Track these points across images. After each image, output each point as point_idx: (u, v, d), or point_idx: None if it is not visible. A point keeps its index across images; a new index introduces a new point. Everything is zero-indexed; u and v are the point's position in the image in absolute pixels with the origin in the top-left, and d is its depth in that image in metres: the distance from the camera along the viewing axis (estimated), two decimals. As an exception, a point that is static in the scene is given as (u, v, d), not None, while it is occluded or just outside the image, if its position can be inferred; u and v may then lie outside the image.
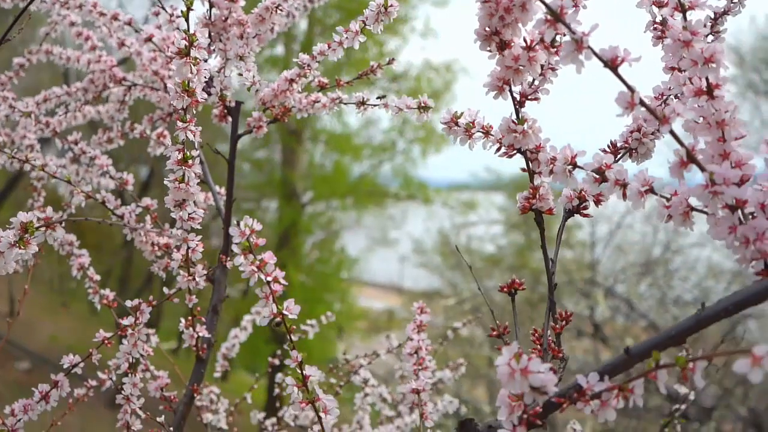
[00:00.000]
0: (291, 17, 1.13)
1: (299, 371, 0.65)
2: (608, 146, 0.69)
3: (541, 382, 0.51)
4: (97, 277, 1.11)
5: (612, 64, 0.51)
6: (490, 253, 9.83)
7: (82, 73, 1.25)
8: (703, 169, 0.51)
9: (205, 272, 0.91)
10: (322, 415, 0.65)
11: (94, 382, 1.11)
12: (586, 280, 5.80)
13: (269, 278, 0.62)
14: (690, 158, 0.52)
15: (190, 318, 0.97)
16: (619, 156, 0.69)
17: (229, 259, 0.97)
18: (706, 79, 0.54)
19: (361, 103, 0.97)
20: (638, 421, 6.00)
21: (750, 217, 0.52)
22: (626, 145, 0.68)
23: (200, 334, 0.97)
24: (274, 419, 1.37)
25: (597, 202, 0.67)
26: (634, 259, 7.12)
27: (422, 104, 0.85)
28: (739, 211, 0.53)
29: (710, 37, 0.71)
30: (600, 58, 0.51)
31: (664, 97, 0.69)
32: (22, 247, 0.68)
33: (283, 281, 0.63)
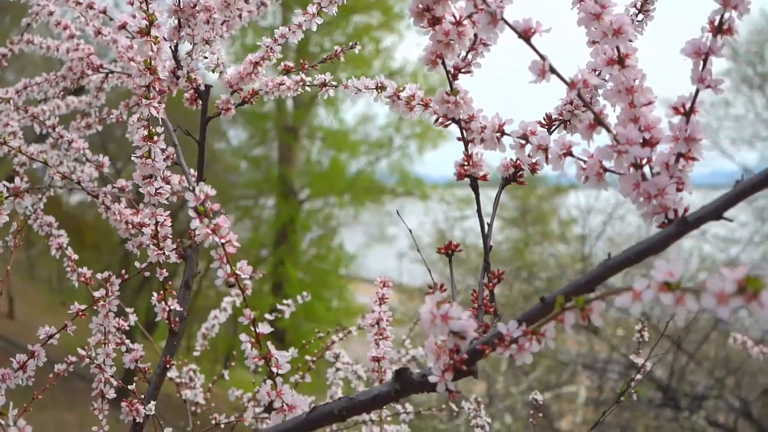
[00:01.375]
0: (263, 5, 1.17)
1: (253, 329, 0.70)
2: (543, 118, 0.73)
3: (461, 327, 0.55)
4: (75, 257, 1.15)
5: (525, 35, 0.56)
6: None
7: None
8: (609, 131, 0.56)
9: (174, 246, 0.96)
10: (274, 369, 0.69)
11: (73, 358, 1.15)
12: (578, 272, 5.84)
13: (223, 240, 0.67)
14: (598, 121, 0.56)
15: (162, 292, 1.01)
16: (554, 127, 0.73)
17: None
18: (617, 48, 0.58)
19: (323, 85, 1.01)
20: (631, 413, 6.06)
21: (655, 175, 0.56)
22: (560, 117, 0.73)
23: (172, 308, 1.02)
24: (249, 394, 1.42)
25: (533, 170, 0.72)
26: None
27: (379, 84, 0.89)
28: (647, 169, 0.57)
29: (640, 16, 0.76)
30: (514, 30, 0.55)
31: (597, 72, 0.73)
32: (-7, 217, 0.72)
33: (236, 243, 0.67)
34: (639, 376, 1.16)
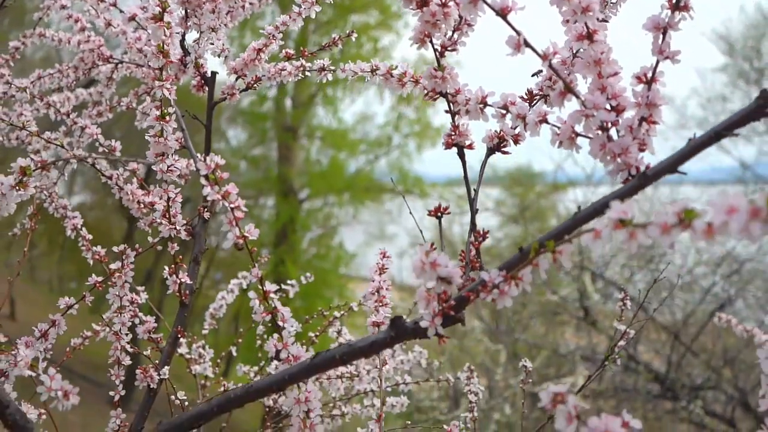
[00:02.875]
0: (262, -1, 1.23)
1: (260, 287, 0.76)
2: (525, 93, 0.80)
3: (448, 273, 0.62)
4: (90, 236, 1.22)
5: (503, 12, 0.62)
6: (486, 245, 9.96)
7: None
8: (578, 98, 0.63)
9: (184, 222, 1.03)
10: (280, 323, 0.76)
11: (89, 333, 1.22)
12: (575, 264, 5.91)
13: (233, 205, 0.73)
14: (568, 89, 0.63)
15: (173, 266, 1.08)
16: (535, 101, 0.80)
17: (206, 210, 1.08)
18: (586, 25, 0.65)
19: (322, 69, 1.08)
20: (628, 403, 6.13)
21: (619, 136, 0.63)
22: (540, 92, 0.79)
23: (183, 281, 1.09)
24: (256, 368, 1.49)
25: (515, 141, 0.78)
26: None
27: (374, 68, 0.96)
28: (614, 132, 0.64)
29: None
30: (492, 8, 0.62)
31: (575, 51, 0.80)
32: (21, 188, 0.79)
33: (244, 208, 0.74)
34: (622, 342, 1.23)
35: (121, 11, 1.20)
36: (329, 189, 11.59)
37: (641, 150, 0.63)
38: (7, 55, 1.44)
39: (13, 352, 0.75)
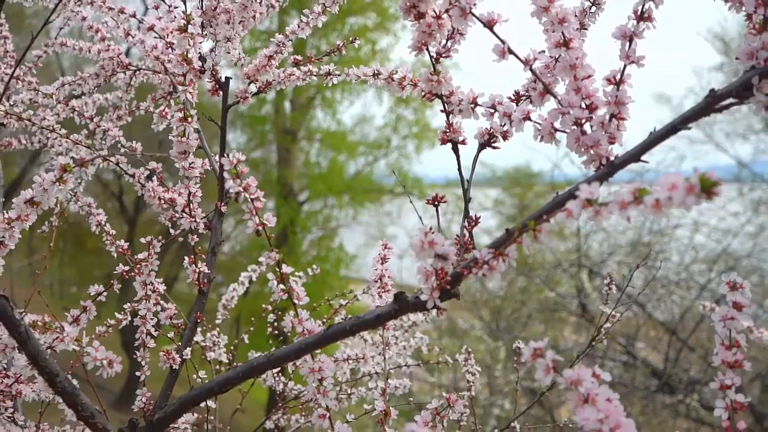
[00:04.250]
0: (271, 7, 1.33)
1: (278, 269, 0.86)
2: (513, 94, 0.89)
3: (444, 251, 0.71)
4: (113, 232, 1.31)
5: (489, 24, 0.72)
6: (486, 244, 10.01)
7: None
8: (555, 97, 0.72)
9: (204, 215, 1.12)
10: (296, 301, 0.85)
11: (112, 321, 1.31)
12: (572, 262, 6.01)
13: (253, 196, 0.83)
14: (546, 90, 0.72)
15: (192, 256, 1.17)
16: (521, 102, 0.89)
17: (224, 204, 1.17)
18: (562, 34, 0.74)
19: (328, 74, 1.17)
20: (626, 398, 6.22)
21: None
22: (526, 93, 0.89)
23: (202, 270, 1.18)
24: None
25: (504, 138, 0.88)
26: (623, 242, 7.34)
27: (376, 72, 1.05)
28: (588, 127, 0.74)
29: (593, 8, 0.92)
30: (480, 21, 0.71)
31: (554, 56, 0.89)
32: (61, 184, 0.88)
33: (262, 198, 0.83)
34: (608, 325, 1.32)
35: (140, 21, 1.30)
36: (329, 191, 11.68)
37: (611, 143, 0.72)
38: (30, 63, 1.53)
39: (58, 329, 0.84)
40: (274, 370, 1.56)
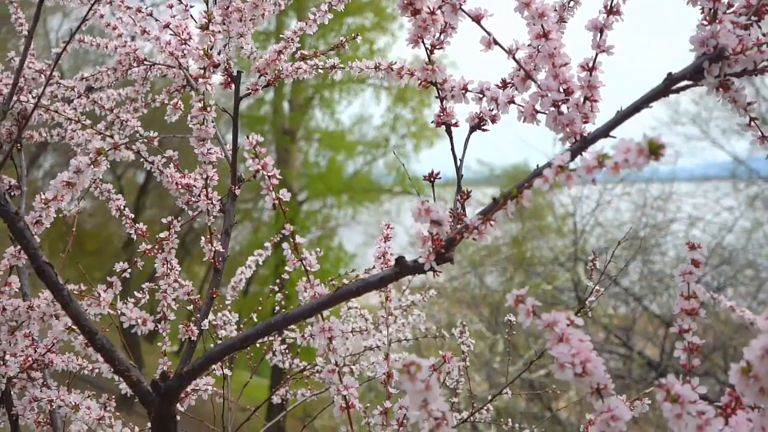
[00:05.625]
0: (278, 5, 1.43)
1: (292, 240, 0.96)
2: (500, 81, 0.99)
3: (439, 217, 0.81)
4: (132, 215, 1.41)
5: (477, 18, 0.82)
6: (486, 243, 10.13)
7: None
8: (535, 82, 0.82)
9: (219, 197, 1.22)
10: (308, 268, 0.95)
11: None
12: (569, 256, 6.11)
13: (269, 174, 0.93)
14: (527, 75, 0.82)
15: (209, 236, 1.27)
16: (507, 88, 0.99)
17: (237, 188, 1.27)
18: (542, 26, 0.84)
19: (333, 67, 1.27)
20: (625, 390, 6.33)
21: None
22: (512, 81, 0.98)
23: (217, 249, 1.28)
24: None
25: (493, 121, 0.98)
26: (620, 236, 7.46)
27: (377, 65, 1.15)
28: (565, 108, 0.84)
29: (571, 2, 1.02)
30: (469, 15, 0.82)
31: (536, 46, 0.99)
32: (95, 166, 0.98)
33: (278, 176, 0.93)
34: (592, 298, 1.42)
35: (156, 20, 1.40)
36: (328, 190, 11.78)
37: (585, 122, 0.82)
38: (49, 60, 1.63)
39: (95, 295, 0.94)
40: (283, 347, 1.67)
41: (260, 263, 1.80)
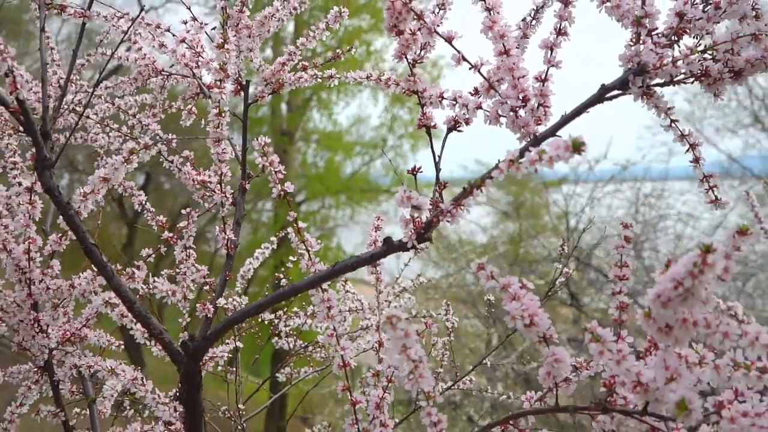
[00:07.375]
0: (281, 21, 1.60)
1: (295, 225, 1.13)
2: (472, 89, 1.17)
3: (419, 202, 0.99)
4: (153, 210, 1.58)
5: (449, 39, 0.99)
6: (484, 243, 10.32)
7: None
8: (497, 92, 1.00)
9: (232, 191, 1.39)
10: (309, 248, 1.13)
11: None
12: (561, 253, 6.29)
13: (276, 169, 1.10)
14: (490, 86, 1.00)
15: (222, 225, 1.45)
16: (477, 95, 1.16)
17: (247, 183, 1.45)
18: (503, 45, 1.02)
19: (331, 77, 1.45)
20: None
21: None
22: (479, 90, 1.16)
23: (230, 237, 1.45)
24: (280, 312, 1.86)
25: (466, 123, 1.15)
26: (610, 233, 7.64)
27: (368, 75, 1.33)
28: (522, 112, 1.01)
29: (533, 21, 1.19)
30: (442, 37, 0.99)
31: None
32: (128, 164, 1.16)
33: (283, 171, 1.11)
34: (562, 279, 1.59)
35: (174, 35, 1.57)
36: (326, 191, 11.93)
37: (538, 124, 1.00)
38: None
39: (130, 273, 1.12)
40: (288, 328, 1.85)
41: (267, 255, 1.98)
